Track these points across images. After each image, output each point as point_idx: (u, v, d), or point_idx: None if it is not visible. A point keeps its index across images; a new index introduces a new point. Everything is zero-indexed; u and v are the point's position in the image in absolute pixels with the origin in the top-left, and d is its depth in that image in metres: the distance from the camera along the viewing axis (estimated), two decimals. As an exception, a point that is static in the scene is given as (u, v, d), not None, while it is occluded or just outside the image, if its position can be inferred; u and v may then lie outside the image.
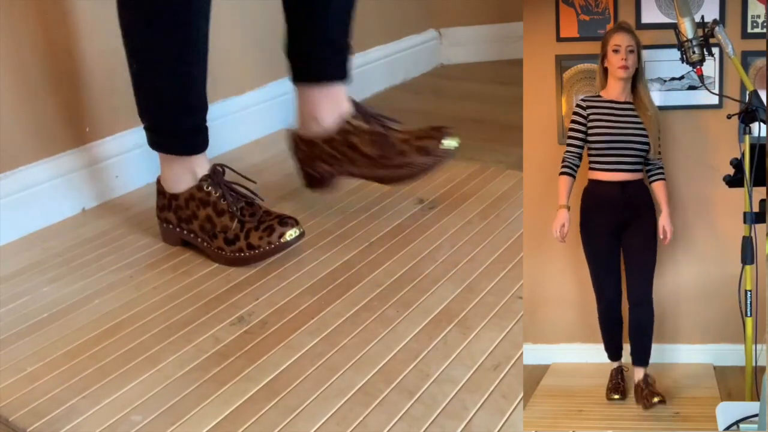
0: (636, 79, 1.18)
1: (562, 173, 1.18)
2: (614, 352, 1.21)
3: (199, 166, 1.31)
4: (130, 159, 1.61)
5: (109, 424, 0.92)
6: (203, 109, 1.32)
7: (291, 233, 1.25)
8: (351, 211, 1.47)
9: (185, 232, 1.33)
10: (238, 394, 0.96)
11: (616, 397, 1.17)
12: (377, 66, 2.32)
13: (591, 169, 1.18)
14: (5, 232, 1.41)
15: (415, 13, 2.48)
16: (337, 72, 1.40)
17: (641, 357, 1.16)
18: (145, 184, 1.64)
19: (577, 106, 1.19)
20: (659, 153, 1.19)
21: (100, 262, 1.32)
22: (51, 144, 1.49)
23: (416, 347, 1.04)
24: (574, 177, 1.18)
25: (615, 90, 1.18)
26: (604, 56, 1.18)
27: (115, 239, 1.41)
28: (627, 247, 1.17)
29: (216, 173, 1.31)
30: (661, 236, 1.17)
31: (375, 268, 1.25)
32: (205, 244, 1.30)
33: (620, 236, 1.17)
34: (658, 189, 1.19)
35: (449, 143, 1.33)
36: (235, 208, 1.27)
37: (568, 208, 1.16)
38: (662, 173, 1.20)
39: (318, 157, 1.37)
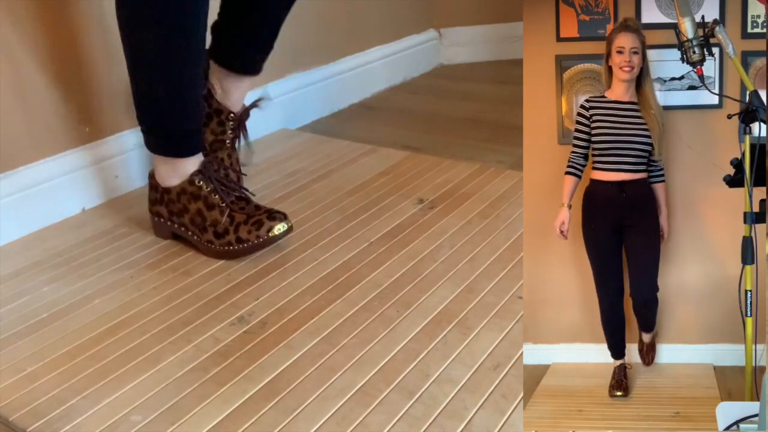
0: (641, 79, 1.18)
1: (567, 173, 1.19)
2: (618, 351, 1.22)
3: (193, 163, 1.33)
4: (130, 159, 1.61)
5: (109, 424, 0.92)
6: (200, 112, 1.34)
7: (279, 227, 1.27)
8: (351, 211, 1.47)
9: (176, 225, 1.35)
10: (238, 394, 0.96)
11: (619, 393, 1.16)
12: (377, 66, 2.32)
13: (594, 168, 1.19)
14: (5, 232, 1.41)
15: (415, 13, 2.48)
16: (254, 69, 1.50)
17: (647, 327, 1.22)
18: (144, 184, 1.64)
19: (581, 106, 1.19)
20: (660, 153, 1.19)
21: (100, 262, 1.32)
22: (51, 144, 1.49)
23: (416, 347, 1.04)
24: (579, 177, 1.19)
25: (619, 90, 1.18)
26: (608, 56, 1.18)
27: (115, 239, 1.41)
28: (629, 246, 1.17)
29: (207, 168, 1.32)
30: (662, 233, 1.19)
31: (375, 268, 1.25)
32: (195, 237, 1.32)
33: (622, 235, 1.17)
34: (660, 190, 1.21)
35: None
36: (225, 203, 1.29)
37: (570, 207, 1.17)
38: (662, 175, 1.21)
39: None
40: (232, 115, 1.51)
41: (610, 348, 1.22)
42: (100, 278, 1.27)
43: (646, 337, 1.24)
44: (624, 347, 1.22)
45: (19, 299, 1.21)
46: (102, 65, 1.54)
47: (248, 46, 1.46)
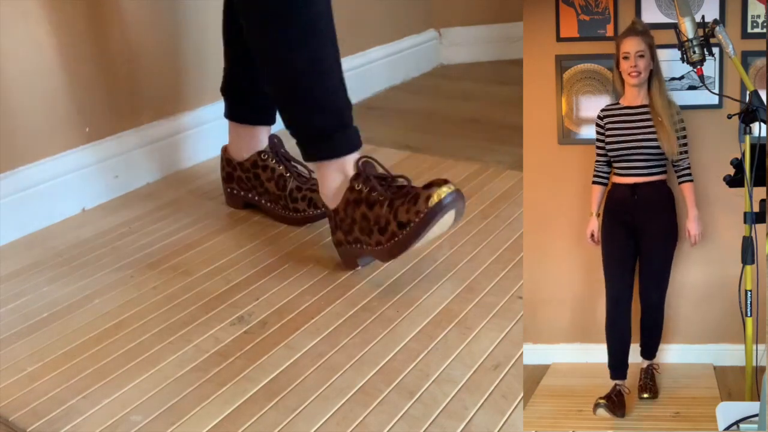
0: (651, 81, 1.17)
1: (593, 182, 1.22)
2: (618, 369, 1.16)
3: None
4: (130, 159, 1.61)
5: (109, 424, 0.92)
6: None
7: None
8: (351, 211, 1.47)
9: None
10: (238, 394, 0.96)
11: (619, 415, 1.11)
12: (377, 66, 2.32)
13: (614, 174, 1.21)
14: (6, 231, 1.41)
15: (415, 13, 2.48)
16: (268, 117, 1.49)
17: (648, 352, 1.20)
18: (144, 184, 1.64)
19: (597, 116, 1.21)
20: (684, 153, 1.18)
21: (99, 261, 1.32)
22: (51, 144, 1.49)
23: (416, 347, 1.04)
24: (604, 185, 1.21)
25: (630, 95, 1.18)
26: (617, 62, 1.18)
27: (115, 239, 1.41)
28: (642, 250, 1.17)
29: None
30: (687, 237, 1.18)
31: (375, 268, 1.25)
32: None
33: (637, 239, 1.17)
34: (684, 191, 1.19)
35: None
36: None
37: (598, 215, 1.20)
38: (688, 174, 1.19)
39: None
40: (264, 154, 1.44)
41: (611, 366, 1.16)
42: (100, 278, 1.27)
43: (644, 363, 1.20)
44: (626, 367, 1.16)
45: (19, 299, 1.21)
46: (103, 65, 1.54)
47: (258, 95, 1.42)
